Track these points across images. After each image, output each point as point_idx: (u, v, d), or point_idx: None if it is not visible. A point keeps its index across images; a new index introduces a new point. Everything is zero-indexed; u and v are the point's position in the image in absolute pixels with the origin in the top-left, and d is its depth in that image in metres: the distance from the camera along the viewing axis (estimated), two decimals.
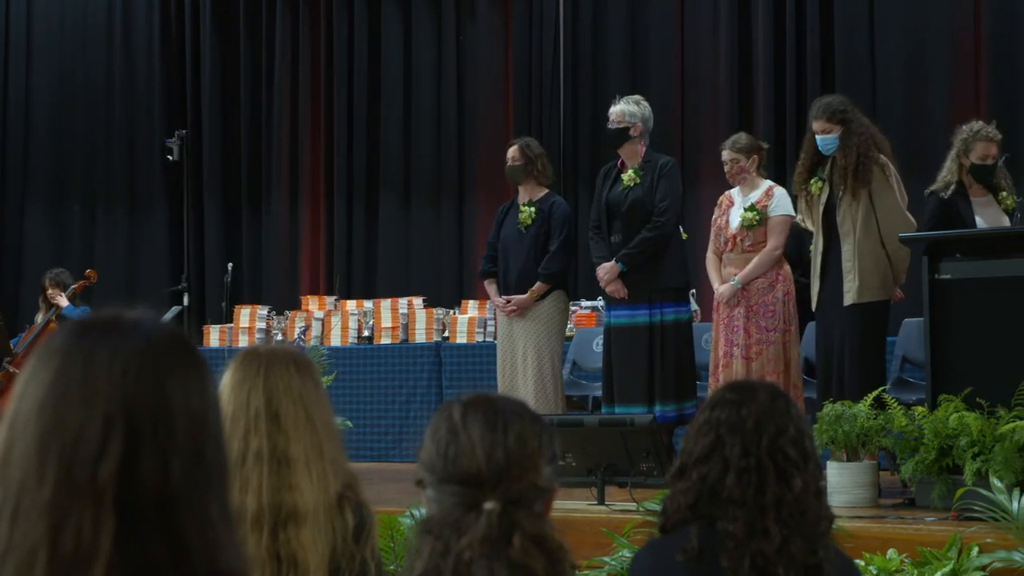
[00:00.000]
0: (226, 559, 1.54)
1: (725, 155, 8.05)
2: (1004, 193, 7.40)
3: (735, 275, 7.84)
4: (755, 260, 7.81)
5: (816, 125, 7.56)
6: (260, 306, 11.53)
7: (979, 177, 7.43)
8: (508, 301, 8.59)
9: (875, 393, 6.78)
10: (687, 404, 8.01)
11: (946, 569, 5.31)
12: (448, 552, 2.19)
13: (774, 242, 7.86)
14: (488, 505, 2.21)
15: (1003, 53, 9.89)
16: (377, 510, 5.86)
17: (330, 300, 11.44)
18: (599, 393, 8.68)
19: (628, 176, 8.28)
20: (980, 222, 7.34)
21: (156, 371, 1.54)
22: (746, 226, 7.87)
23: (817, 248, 7.62)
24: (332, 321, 10.94)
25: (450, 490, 2.25)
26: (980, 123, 7.53)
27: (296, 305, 11.60)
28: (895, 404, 6.67)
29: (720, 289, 7.84)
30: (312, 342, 10.48)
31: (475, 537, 2.18)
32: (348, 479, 3.09)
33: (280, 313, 11.42)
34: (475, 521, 2.20)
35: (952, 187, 7.36)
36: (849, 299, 7.40)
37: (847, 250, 7.44)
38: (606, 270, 8.24)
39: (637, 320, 8.16)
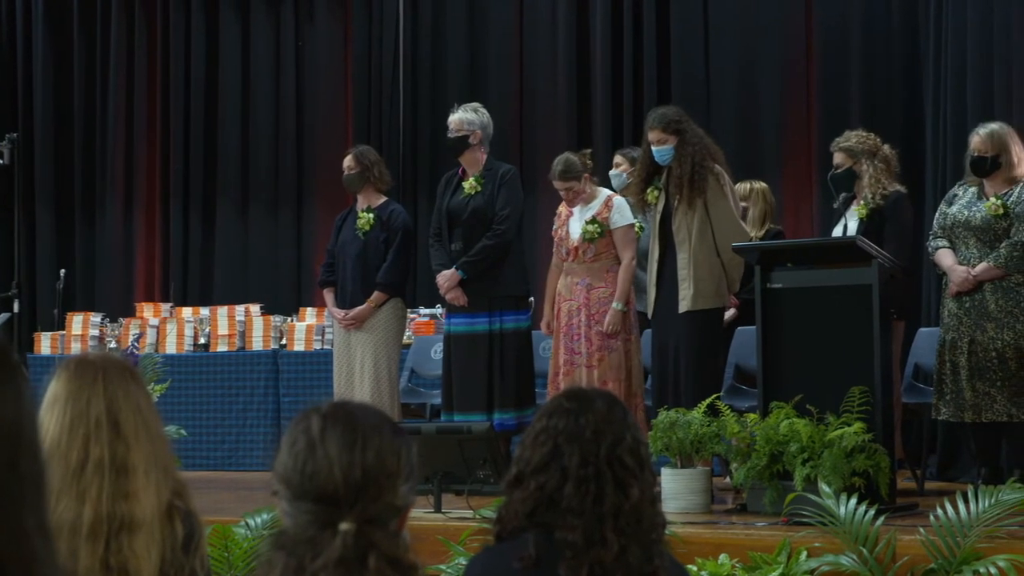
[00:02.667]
0: (43, 573, 1.51)
1: (558, 185, 8.04)
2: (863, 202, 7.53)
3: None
4: (620, 278, 7.84)
5: (652, 135, 7.65)
6: (93, 313, 11.33)
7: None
8: (346, 314, 8.56)
9: (709, 400, 6.89)
10: (527, 412, 8.04)
11: (775, 573, 5.42)
12: (302, 570, 2.18)
13: (629, 254, 7.92)
14: (344, 526, 2.20)
15: (833, 69, 10.11)
16: (212, 519, 5.81)
17: (165, 307, 11.29)
18: (437, 401, 8.69)
19: (469, 184, 8.30)
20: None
21: None
22: (588, 239, 7.92)
23: (653, 256, 7.72)
24: (167, 328, 10.80)
25: (305, 507, 2.23)
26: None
27: (131, 312, 11.42)
28: (728, 411, 6.78)
29: (608, 319, 7.82)
30: (147, 349, 10.33)
31: (330, 558, 2.17)
32: (177, 487, 3.05)
33: (114, 320, 11.23)
34: (330, 540, 2.19)
35: None
36: (684, 307, 7.50)
37: (682, 258, 7.54)
38: (446, 278, 8.25)
39: (476, 328, 8.18)
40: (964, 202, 7.34)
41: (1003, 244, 7.15)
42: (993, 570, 5.15)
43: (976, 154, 7.29)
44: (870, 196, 7.43)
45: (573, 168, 7.99)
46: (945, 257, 7.31)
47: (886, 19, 9.87)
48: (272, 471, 2.29)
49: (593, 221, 7.93)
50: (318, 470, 2.22)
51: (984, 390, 7.08)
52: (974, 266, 7.19)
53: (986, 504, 5.41)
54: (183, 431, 8.20)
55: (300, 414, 2.31)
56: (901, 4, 9.80)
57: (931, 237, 7.48)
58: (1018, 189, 7.23)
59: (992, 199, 7.22)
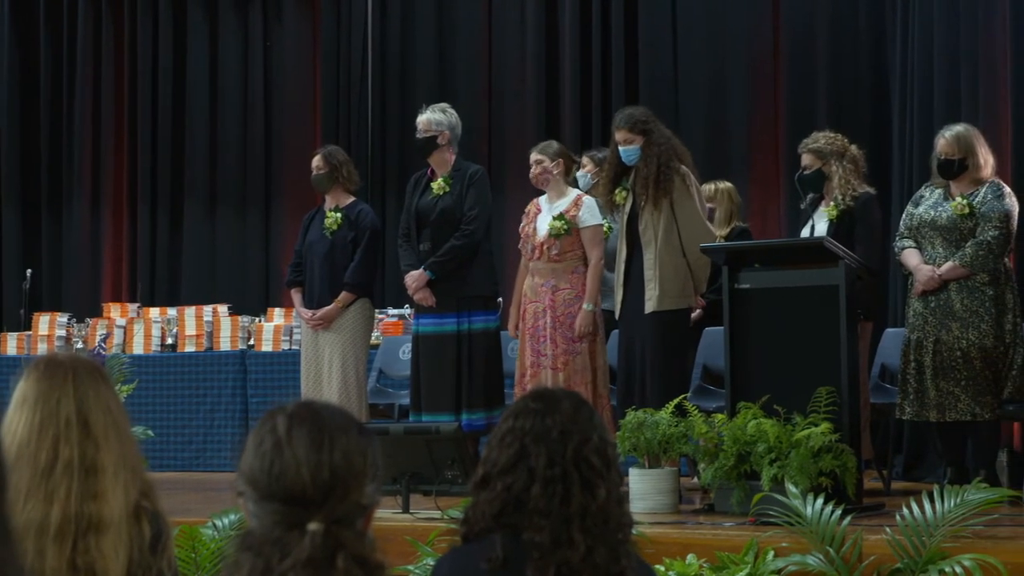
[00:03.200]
0: (5, 574, 1.50)
1: (531, 158, 8.13)
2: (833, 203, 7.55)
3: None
4: (589, 278, 7.83)
5: (618, 135, 7.67)
6: (60, 313, 11.27)
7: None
8: (314, 314, 8.55)
9: (676, 400, 6.90)
10: (495, 412, 8.03)
11: (743, 573, 5.43)
12: (269, 571, 2.17)
13: (597, 253, 7.92)
14: (312, 527, 2.19)
15: (800, 70, 10.14)
16: (179, 520, 5.79)
17: (133, 307, 11.25)
18: (406, 401, 8.69)
19: (438, 185, 8.30)
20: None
21: None
22: (554, 235, 7.93)
23: (620, 256, 7.73)
24: (135, 328, 10.76)
25: (272, 508, 2.22)
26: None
27: (97, 312, 11.37)
28: (696, 411, 6.79)
29: (579, 321, 7.81)
30: (114, 350, 10.28)
31: (299, 559, 2.17)
32: (145, 488, 3.05)
33: (81, 320, 11.19)
34: (298, 540, 2.18)
35: None
36: (650, 307, 7.52)
37: (648, 258, 7.56)
38: (414, 278, 8.24)
39: (445, 328, 8.18)
40: (931, 203, 7.38)
41: (968, 243, 7.18)
42: (959, 569, 5.17)
43: (943, 157, 7.32)
44: (840, 197, 7.46)
45: (551, 146, 8.13)
46: (911, 257, 7.35)
47: (853, 19, 9.91)
48: (237, 472, 2.28)
49: (561, 217, 7.94)
50: (285, 470, 2.22)
51: (948, 389, 7.11)
52: (940, 265, 7.23)
53: (952, 504, 5.44)
54: (150, 432, 8.18)
55: (265, 414, 2.30)
56: (868, 5, 9.84)
57: (898, 237, 7.51)
58: (983, 189, 7.27)
59: (959, 199, 7.25)
